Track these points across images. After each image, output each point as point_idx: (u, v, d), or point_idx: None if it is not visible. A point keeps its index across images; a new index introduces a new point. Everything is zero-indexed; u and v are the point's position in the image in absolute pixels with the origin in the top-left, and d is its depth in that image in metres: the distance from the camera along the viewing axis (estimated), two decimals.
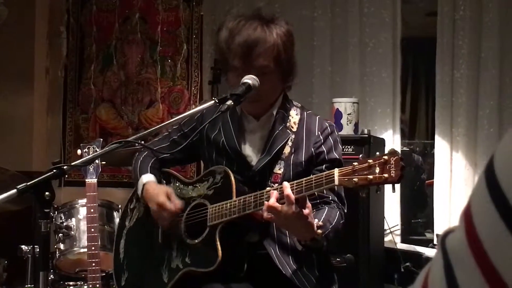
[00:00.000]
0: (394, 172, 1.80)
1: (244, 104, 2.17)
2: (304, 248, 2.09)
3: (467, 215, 0.55)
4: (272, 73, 2.15)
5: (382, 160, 1.82)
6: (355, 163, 1.86)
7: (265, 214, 1.95)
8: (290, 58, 2.22)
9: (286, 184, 1.93)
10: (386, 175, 1.81)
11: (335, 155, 2.21)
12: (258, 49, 2.12)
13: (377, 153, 1.87)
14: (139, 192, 2.31)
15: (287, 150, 2.20)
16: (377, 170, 1.82)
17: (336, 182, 1.89)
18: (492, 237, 0.52)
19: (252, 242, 2.18)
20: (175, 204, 2.20)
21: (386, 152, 1.86)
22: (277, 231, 2.17)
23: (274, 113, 2.24)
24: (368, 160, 1.84)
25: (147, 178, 2.31)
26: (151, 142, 2.48)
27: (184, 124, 2.36)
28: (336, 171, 1.90)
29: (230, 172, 2.16)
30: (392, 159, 1.81)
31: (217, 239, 2.10)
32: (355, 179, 1.85)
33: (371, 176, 1.83)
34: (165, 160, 2.42)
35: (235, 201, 2.10)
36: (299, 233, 2.02)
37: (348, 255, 3.21)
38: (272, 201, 1.93)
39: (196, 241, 2.19)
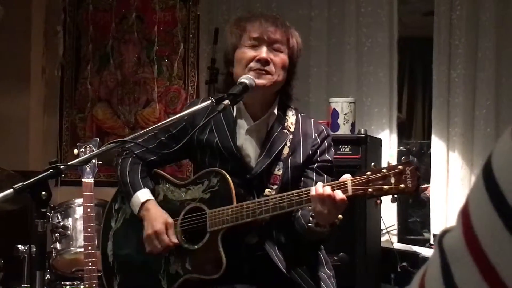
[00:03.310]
0: (410, 182, 1.79)
1: (250, 93, 2.12)
2: (312, 234, 2.06)
3: (465, 214, 0.55)
4: (283, 54, 2.17)
5: (397, 170, 1.80)
6: (369, 173, 1.84)
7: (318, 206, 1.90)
8: (296, 62, 2.25)
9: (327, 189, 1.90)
10: (402, 185, 1.80)
11: (328, 157, 2.23)
12: (276, 25, 2.17)
13: (388, 161, 1.86)
14: (136, 210, 2.25)
15: (285, 151, 2.19)
16: (393, 180, 1.81)
17: (350, 193, 1.87)
18: (490, 235, 0.52)
19: (252, 243, 2.17)
20: (171, 239, 2.18)
21: (386, 159, 1.85)
22: (277, 232, 2.16)
23: (275, 112, 2.22)
24: (382, 170, 1.82)
25: (144, 196, 2.25)
26: (138, 141, 2.31)
27: (171, 125, 2.24)
28: (349, 181, 1.88)
29: (227, 175, 2.13)
30: (408, 169, 1.80)
31: (220, 246, 2.09)
32: (370, 190, 1.84)
33: (386, 187, 1.81)
34: (152, 162, 2.35)
35: (237, 207, 2.08)
36: (333, 217, 1.95)
37: (341, 253, 3.21)
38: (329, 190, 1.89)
39: (196, 246, 2.16)
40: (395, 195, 1.85)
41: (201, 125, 2.12)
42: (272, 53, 2.15)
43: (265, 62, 2.13)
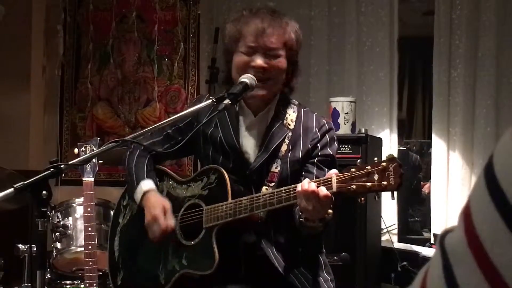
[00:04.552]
0: (393, 179, 1.79)
1: (250, 93, 2.13)
2: (304, 228, 2.05)
3: (466, 214, 0.55)
4: (281, 57, 2.16)
5: (380, 167, 1.80)
6: (353, 169, 1.84)
7: (303, 203, 1.90)
8: (297, 55, 2.24)
9: (312, 185, 1.89)
10: (385, 182, 1.79)
11: (329, 151, 2.21)
12: (272, 29, 2.15)
13: (375, 158, 1.85)
14: (138, 199, 2.27)
15: (284, 148, 2.18)
16: (376, 177, 1.80)
17: (334, 189, 1.87)
18: (492, 236, 0.52)
19: (249, 242, 2.17)
20: (168, 222, 2.17)
21: (384, 157, 1.84)
22: (274, 232, 2.16)
23: (273, 108, 2.22)
24: (367, 167, 1.82)
25: (147, 186, 2.27)
26: (143, 135, 2.34)
27: (177, 119, 2.26)
28: (334, 177, 1.88)
29: (224, 172, 2.14)
30: (391, 166, 1.79)
31: (214, 242, 2.09)
32: (353, 186, 1.83)
33: (369, 184, 1.81)
34: (158, 156, 2.37)
35: (231, 203, 2.08)
36: (319, 213, 1.94)
37: (343, 253, 3.21)
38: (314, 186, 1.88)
39: (192, 242, 2.17)
40: (378, 193, 1.86)
41: (203, 123, 2.14)
42: (268, 59, 2.14)
43: (261, 70, 2.14)
